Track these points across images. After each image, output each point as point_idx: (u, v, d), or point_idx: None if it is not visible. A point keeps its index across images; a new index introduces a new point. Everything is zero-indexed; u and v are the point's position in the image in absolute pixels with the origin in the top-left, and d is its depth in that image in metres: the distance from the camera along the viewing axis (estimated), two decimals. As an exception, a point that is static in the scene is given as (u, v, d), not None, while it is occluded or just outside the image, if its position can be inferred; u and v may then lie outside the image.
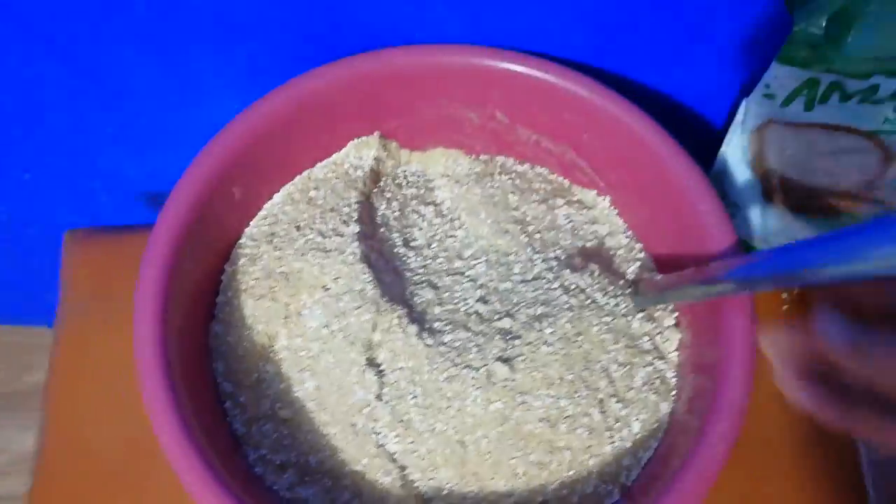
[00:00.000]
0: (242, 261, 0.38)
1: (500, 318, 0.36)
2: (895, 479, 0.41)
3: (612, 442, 0.34)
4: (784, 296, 0.45)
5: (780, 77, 0.35)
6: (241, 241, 0.39)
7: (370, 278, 0.36)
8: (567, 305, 0.36)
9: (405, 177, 0.42)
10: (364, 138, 0.41)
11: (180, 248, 0.34)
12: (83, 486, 0.40)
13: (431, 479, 0.34)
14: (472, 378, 0.34)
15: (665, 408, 0.36)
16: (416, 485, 0.34)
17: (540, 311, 0.36)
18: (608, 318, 0.36)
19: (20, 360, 0.83)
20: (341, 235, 0.37)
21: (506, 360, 0.34)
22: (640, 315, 0.37)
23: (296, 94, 0.37)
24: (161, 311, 0.32)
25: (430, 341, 0.35)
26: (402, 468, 0.34)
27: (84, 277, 0.45)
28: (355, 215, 0.38)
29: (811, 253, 0.25)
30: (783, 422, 0.42)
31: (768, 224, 0.41)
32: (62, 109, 0.40)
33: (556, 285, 0.37)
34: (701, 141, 0.42)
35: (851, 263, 0.23)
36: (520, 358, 0.35)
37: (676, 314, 0.38)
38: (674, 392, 0.36)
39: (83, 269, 0.45)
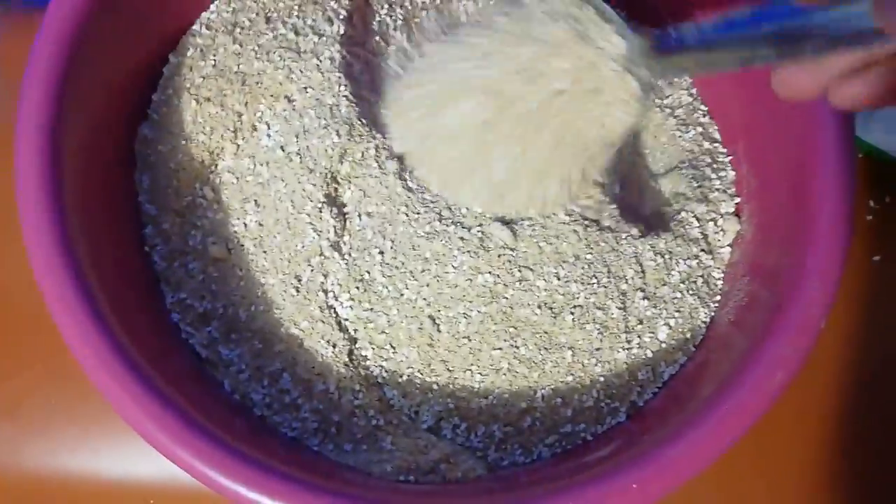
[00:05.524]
0: (192, 52, 0.29)
1: (511, 167, 0.28)
2: None
3: (629, 348, 0.27)
4: (870, 204, 0.36)
5: None
6: (193, 28, 0.30)
7: (347, 92, 0.27)
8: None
9: (420, -21, 0.33)
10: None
11: (94, 20, 0.25)
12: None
13: (387, 359, 0.26)
14: (461, 239, 0.26)
15: (704, 315, 0.28)
16: (366, 363, 0.26)
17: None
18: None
19: None
20: (321, 35, 0.28)
21: (508, 223, 0.26)
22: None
23: None
24: (54, 104, 0.24)
25: (412, 184, 0.26)
26: (352, 340, 0.26)
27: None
28: (343, 12, 0.29)
29: None
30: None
31: None
32: None
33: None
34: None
35: None
36: (527, 222, 0.26)
37: (738, 200, 0.29)
38: (718, 297, 0.28)
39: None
